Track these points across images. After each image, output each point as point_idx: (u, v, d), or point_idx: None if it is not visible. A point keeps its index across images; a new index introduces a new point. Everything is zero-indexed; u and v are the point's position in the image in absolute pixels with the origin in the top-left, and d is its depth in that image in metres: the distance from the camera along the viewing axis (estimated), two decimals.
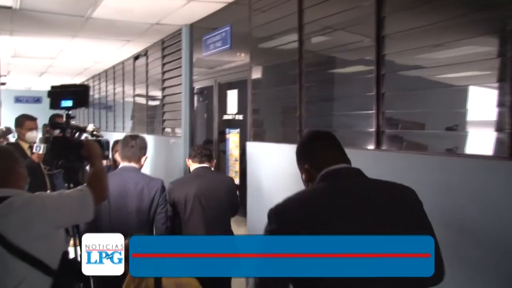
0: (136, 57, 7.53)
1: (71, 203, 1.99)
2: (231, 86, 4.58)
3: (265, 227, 1.58)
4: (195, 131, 5.41)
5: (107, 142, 2.55)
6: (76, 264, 2.05)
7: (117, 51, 7.43)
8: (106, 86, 9.83)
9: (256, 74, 4.03)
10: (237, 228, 4.19)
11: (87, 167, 2.35)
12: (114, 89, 9.17)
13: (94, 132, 2.74)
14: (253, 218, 3.97)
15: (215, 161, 3.84)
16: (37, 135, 4.56)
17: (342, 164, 1.63)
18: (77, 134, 2.40)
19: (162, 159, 6.02)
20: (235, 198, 3.83)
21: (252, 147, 4.00)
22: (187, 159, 3.97)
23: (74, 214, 2.01)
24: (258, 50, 4.04)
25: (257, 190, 3.90)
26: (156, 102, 6.75)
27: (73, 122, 2.39)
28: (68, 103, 2.27)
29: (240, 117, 4.40)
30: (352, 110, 2.99)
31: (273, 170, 3.67)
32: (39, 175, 4.23)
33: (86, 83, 10.77)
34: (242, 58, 4.32)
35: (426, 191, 1.72)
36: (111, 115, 9.39)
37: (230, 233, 3.77)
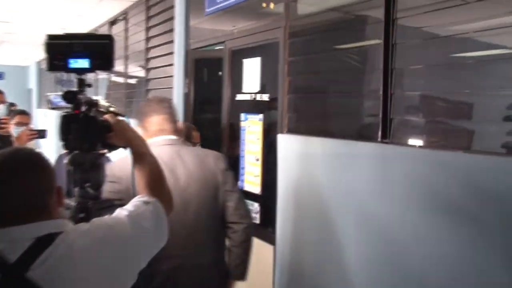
0: (113, 22, 6.21)
1: (149, 228, 1.40)
2: (250, 53, 3.23)
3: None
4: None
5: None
6: None
7: (89, 14, 6.05)
8: None
9: (295, 34, 2.73)
10: (263, 256, 2.91)
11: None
12: None
13: (111, 109, 1.67)
14: (284, 243, 2.72)
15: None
16: None
17: (171, 136, 2.19)
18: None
19: None
20: None
21: (287, 142, 2.72)
22: None
23: (154, 243, 1.44)
24: None
25: (294, 204, 2.63)
26: (139, 78, 5.44)
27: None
28: (82, 63, 1.49)
29: (265, 97, 3.08)
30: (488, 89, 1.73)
31: (319, 177, 2.41)
32: None
33: None
34: (270, 10, 2.99)
35: None
36: None
37: None
